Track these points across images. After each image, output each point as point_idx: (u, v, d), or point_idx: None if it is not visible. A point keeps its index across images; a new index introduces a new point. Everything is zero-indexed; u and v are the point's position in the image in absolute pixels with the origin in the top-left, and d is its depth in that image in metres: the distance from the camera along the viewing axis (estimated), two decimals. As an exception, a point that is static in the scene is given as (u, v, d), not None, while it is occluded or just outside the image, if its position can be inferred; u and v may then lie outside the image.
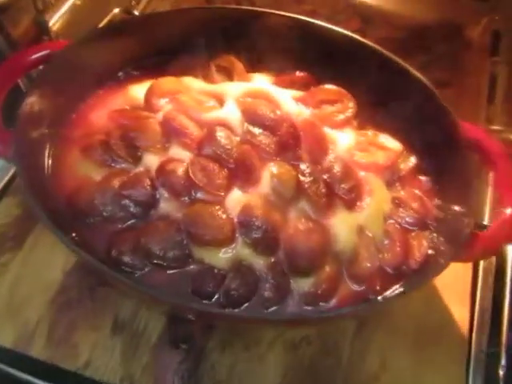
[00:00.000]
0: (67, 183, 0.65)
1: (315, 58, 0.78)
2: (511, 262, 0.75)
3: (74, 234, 0.60)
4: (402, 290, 0.58)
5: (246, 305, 0.59)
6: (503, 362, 0.68)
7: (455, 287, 0.74)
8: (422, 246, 0.64)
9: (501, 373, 0.68)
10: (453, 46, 1.26)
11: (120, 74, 0.78)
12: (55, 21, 0.84)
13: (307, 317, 0.58)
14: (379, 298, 0.59)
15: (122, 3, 1.07)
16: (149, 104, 0.71)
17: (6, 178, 0.82)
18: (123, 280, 0.51)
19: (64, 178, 0.66)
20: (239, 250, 0.61)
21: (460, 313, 0.73)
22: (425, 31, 1.31)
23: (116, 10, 1.07)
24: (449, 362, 0.69)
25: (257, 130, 0.68)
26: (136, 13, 1.10)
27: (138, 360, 0.67)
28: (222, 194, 0.63)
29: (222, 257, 0.60)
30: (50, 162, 0.67)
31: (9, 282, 0.72)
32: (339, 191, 0.64)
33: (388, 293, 0.61)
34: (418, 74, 0.71)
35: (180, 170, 0.64)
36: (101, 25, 1.02)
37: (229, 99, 0.71)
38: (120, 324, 0.69)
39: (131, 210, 0.62)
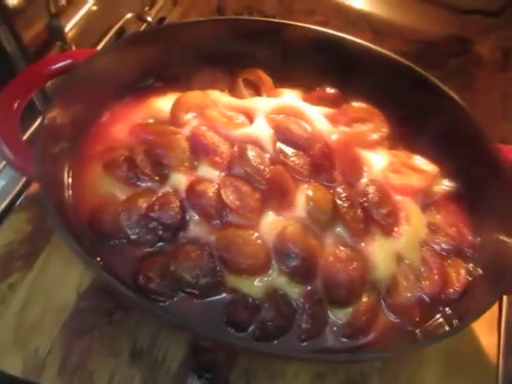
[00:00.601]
0: (89, 201, 0.61)
1: (342, 73, 0.76)
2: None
3: (98, 259, 0.56)
4: (453, 326, 0.55)
5: (281, 338, 0.55)
6: (532, 388, 0.67)
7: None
8: (459, 274, 0.62)
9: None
10: (463, 62, 1.27)
11: (141, 85, 0.74)
12: (71, 26, 0.80)
13: (357, 357, 0.54)
14: (420, 333, 0.56)
15: (135, 9, 1.04)
16: (175, 118, 0.68)
17: (14, 192, 0.77)
18: (161, 313, 0.47)
19: (86, 196, 0.62)
20: (275, 278, 0.58)
21: (488, 340, 0.71)
22: (435, 46, 1.31)
23: (129, 15, 1.03)
24: (478, 389, 0.67)
25: (289, 150, 0.65)
26: (149, 19, 1.06)
27: (158, 390, 0.63)
28: (256, 217, 0.60)
29: (256, 285, 0.57)
30: (71, 178, 0.63)
31: (17, 305, 0.67)
32: (377, 216, 0.62)
33: (428, 324, 0.58)
34: (453, 95, 0.69)
35: (211, 191, 0.60)
36: (113, 31, 0.98)
37: (259, 115, 0.68)
38: (139, 351, 0.65)
39: (159, 233, 0.59)
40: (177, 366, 0.64)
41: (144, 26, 1.06)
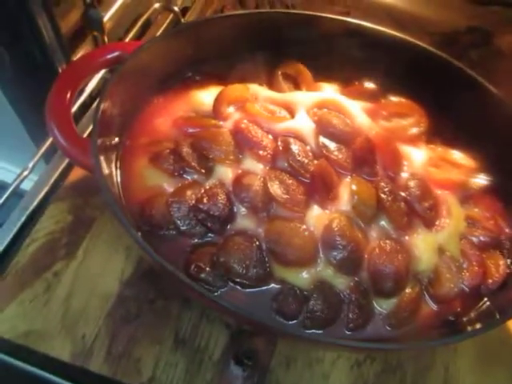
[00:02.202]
0: (137, 193, 0.62)
1: (380, 67, 0.76)
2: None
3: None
4: (495, 317, 0.57)
5: (330, 327, 0.57)
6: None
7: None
8: (499, 266, 0.63)
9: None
10: (484, 54, 1.26)
11: (182, 78, 0.75)
12: (109, 18, 0.80)
13: (414, 346, 0.56)
14: (463, 323, 0.58)
15: (162, -1, 1.04)
16: (217, 112, 0.68)
17: (50, 184, 0.78)
18: (217, 300, 0.49)
19: (134, 188, 0.63)
20: (322, 270, 0.59)
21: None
22: (456, 38, 1.30)
23: (156, 5, 1.03)
24: (509, 377, 0.69)
25: (332, 144, 0.66)
26: (176, 8, 1.06)
27: (202, 376, 0.65)
28: (302, 210, 0.61)
29: (304, 277, 0.59)
30: (118, 170, 0.64)
31: (63, 293, 0.68)
32: (419, 210, 0.63)
33: (470, 314, 0.60)
34: (493, 89, 0.70)
35: (257, 185, 0.61)
36: (141, 21, 0.98)
37: (300, 109, 0.69)
38: (182, 338, 0.67)
39: (209, 224, 0.60)
40: (219, 353, 0.66)
41: (171, 16, 1.06)
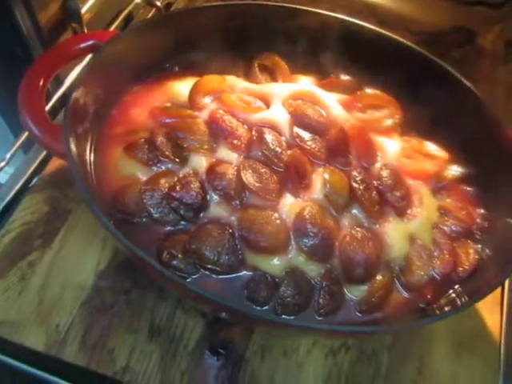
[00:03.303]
0: (111, 181, 0.62)
1: (356, 60, 0.77)
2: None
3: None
4: (463, 302, 0.58)
5: (300, 314, 0.57)
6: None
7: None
8: (469, 254, 0.64)
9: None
10: (467, 53, 1.28)
11: (160, 69, 0.75)
12: (87, 9, 0.80)
13: (380, 329, 0.57)
14: (432, 310, 0.58)
15: (145, -8, 1.04)
16: (193, 102, 0.69)
17: (27, 175, 0.78)
18: (192, 289, 0.49)
19: (108, 176, 0.63)
20: (293, 257, 0.60)
21: (491, 318, 0.74)
22: (440, 37, 1.32)
23: (138, 0, 1.03)
24: (483, 366, 0.70)
25: (306, 134, 0.67)
26: (158, 3, 1.06)
27: (176, 365, 0.65)
28: (275, 199, 0.62)
29: (276, 264, 0.59)
30: (92, 159, 0.64)
31: (37, 283, 0.68)
32: (391, 199, 0.64)
33: (440, 301, 0.61)
34: (465, 82, 0.71)
35: (231, 173, 0.62)
36: (122, 15, 0.99)
37: (276, 100, 0.69)
38: (157, 328, 0.67)
39: (181, 212, 0.60)
40: (194, 342, 0.66)
41: (153, 11, 1.06)
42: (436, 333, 0.71)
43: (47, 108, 0.80)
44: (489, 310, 0.75)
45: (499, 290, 0.77)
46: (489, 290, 0.54)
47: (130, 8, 1.02)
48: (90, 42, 0.64)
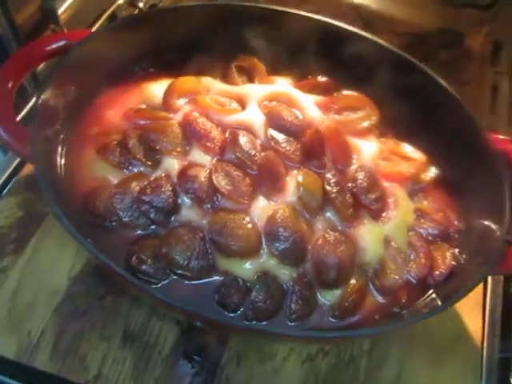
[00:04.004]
0: (82, 184, 0.62)
1: (334, 61, 0.77)
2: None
3: (88, 240, 0.57)
4: (437, 305, 0.57)
5: (272, 318, 0.56)
6: (515, 367, 0.69)
7: (467, 296, 0.74)
8: (445, 258, 0.63)
9: (512, 380, 0.69)
10: (454, 55, 1.28)
11: (135, 70, 0.74)
12: (64, 10, 0.79)
13: (349, 335, 0.56)
14: (407, 313, 0.58)
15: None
16: (167, 104, 0.68)
17: (4, 177, 0.77)
18: (153, 293, 0.48)
19: (79, 179, 0.62)
20: (265, 261, 0.59)
21: (473, 321, 0.73)
22: (426, 38, 1.32)
23: (120, 1, 1.03)
24: (464, 370, 0.69)
25: (281, 136, 0.66)
26: (140, 4, 1.06)
27: (150, 373, 0.64)
28: (247, 202, 0.61)
29: (247, 268, 0.58)
30: (64, 161, 0.63)
31: (10, 289, 0.67)
32: (365, 201, 0.63)
33: (415, 305, 0.60)
34: (444, 84, 0.70)
35: (203, 176, 0.61)
36: (104, 16, 0.98)
37: (251, 102, 0.69)
38: (130, 334, 0.66)
39: (152, 216, 0.59)
40: (168, 349, 0.65)
41: (136, 12, 1.06)
42: (416, 337, 0.70)
43: (25, 111, 0.80)
44: (470, 313, 0.74)
45: (481, 292, 0.77)
46: (464, 292, 0.53)
47: (112, 9, 1.01)
48: (62, 43, 0.63)
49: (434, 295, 0.60)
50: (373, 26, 1.31)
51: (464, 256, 0.63)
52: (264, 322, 0.56)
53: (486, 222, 0.63)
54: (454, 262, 0.63)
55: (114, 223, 0.60)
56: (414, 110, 0.74)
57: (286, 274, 0.59)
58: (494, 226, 0.60)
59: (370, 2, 1.40)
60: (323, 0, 1.39)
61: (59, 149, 0.64)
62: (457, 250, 0.65)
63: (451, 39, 1.32)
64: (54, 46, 0.63)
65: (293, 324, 0.57)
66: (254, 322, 0.56)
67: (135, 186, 0.61)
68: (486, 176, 0.64)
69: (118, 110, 0.68)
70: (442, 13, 1.36)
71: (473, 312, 0.74)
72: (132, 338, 0.65)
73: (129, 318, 0.67)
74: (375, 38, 0.75)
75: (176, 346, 0.65)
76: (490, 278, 0.79)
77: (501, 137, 0.66)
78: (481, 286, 0.78)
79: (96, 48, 0.66)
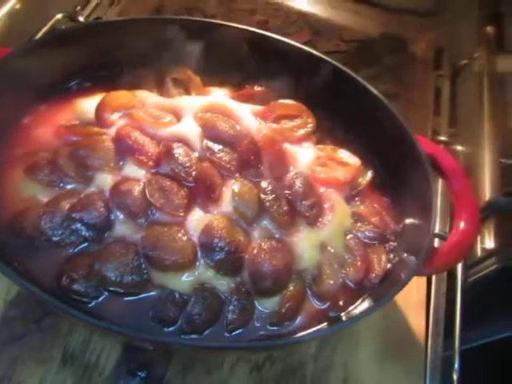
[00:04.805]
0: (9, 205, 0.60)
1: (270, 71, 0.78)
2: (461, 269, 0.79)
3: (16, 264, 0.55)
4: (368, 306, 0.58)
5: (209, 330, 0.56)
6: (456, 365, 0.71)
7: (411, 298, 0.77)
8: (381, 260, 0.65)
9: (455, 376, 0.71)
10: (398, 60, 1.33)
11: (67, 86, 0.73)
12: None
13: (273, 344, 0.56)
14: (344, 317, 0.58)
15: (66, 8, 1.01)
16: (100, 119, 0.67)
17: None
18: (75, 314, 0.47)
19: (7, 201, 0.60)
20: (201, 272, 0.58)
21: (417, 321, 0.76)
22: (372, 45, 1.37)
23: (59, 16, 1.01)
24: (408, 369, 0.71)
25: (216, 147, 0.66)
26: (81, 19, 1.04)
27: (91, 394, 0.62)
28: (182, 214, 0.60)
29: (183, 280, 0.58)
30: (-11, 182, 0.61)
31: None
32: (300, 208, 0.64)
33: (351, 308, 0.61)
34: (374, 91, 0.72)
35: (136, 190, 0.60)
36: (42, 31, 0.96)
37: (187, 114, 0.69)
38: (70, 355, 0.64)
39: (83, 233, 0.58)
40: (111, 367, 0.64)
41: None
42: (362, 341, 0.72)
43: None
44: (414, 313, 0.76)
45: (425, 292, 0.79)
46: (395, 290, 0.55)
47: (51, 23, 0.99)
48: (-18, 61, 0.61)
49: (369, 297, 0.61)
50: (322, 33, 1.35)
51: (399, 256, 0.65)
52: (201, 335, 0.56)
53: (417, 222, 0.65)
54: (389, 264, 0.65)
55: (44, 243, 0.58)
56: (350, 116, 0.76)
57: (223, 284, 0.58)
58: (423, 226, 0.61)
59: (319, 10, 1.44)
60: (272, 10, 1.43)
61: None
62: (393, 252, 0.66)
63: (396, 45, 1.38)
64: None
65: (231, 334, 0.57)
66: (193, 336, 0.56)
67: (66, 204, 0.59)
68: (415, 178, 0.66)
69: (47, 128, 0.67)
70: (386, 20, 1.42)
71: (417, 312, 0.76)
72: (72, 359, 0.64)
73: (69, 339, 0.65)
74: (307, 48, 0.77)
75: (118, 364, 0.64)
76: (433, 278, 0.81)
77: (427, 140, 0.69)
78: (424, 286, 0.80)
79: (21, 65, 0.64)
